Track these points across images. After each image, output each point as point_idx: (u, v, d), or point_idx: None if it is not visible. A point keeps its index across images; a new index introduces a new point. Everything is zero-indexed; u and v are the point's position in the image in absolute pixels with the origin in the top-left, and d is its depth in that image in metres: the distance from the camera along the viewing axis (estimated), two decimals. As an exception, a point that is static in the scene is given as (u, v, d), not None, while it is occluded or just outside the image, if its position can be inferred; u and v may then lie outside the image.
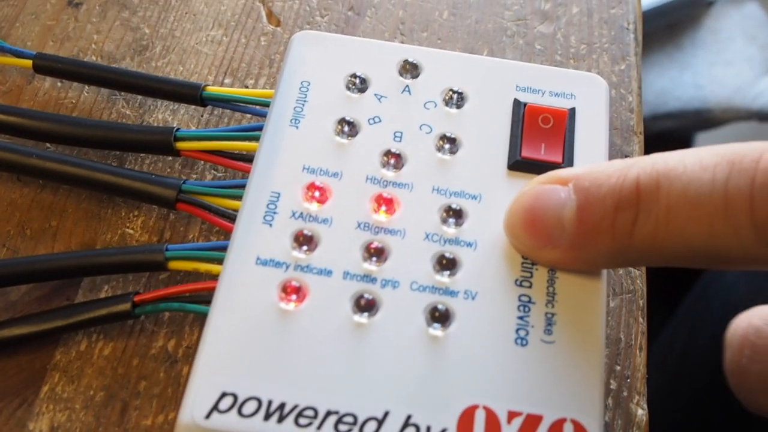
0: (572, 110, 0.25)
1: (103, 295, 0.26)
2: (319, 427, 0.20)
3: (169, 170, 0.28)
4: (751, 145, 0.20)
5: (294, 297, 0.22)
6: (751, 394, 0.21)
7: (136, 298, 0.24)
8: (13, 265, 0.25)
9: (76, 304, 0.25)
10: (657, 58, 0.71)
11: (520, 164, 0.25)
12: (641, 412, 0.24)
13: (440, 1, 0.33)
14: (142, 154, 0.28)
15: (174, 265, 0.25)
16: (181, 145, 0.27)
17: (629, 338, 0.25)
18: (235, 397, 0.21)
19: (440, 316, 0.22)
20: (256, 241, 0.23)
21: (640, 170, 0.20)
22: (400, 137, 0.25)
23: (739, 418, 0.24)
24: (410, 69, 0.26)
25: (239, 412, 0.20)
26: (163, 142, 0.27)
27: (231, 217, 0.25)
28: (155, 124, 0.29)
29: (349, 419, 0.20)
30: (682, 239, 0.20)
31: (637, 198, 0.20)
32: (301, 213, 0.24)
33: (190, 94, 0.28)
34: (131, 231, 0.27)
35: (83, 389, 0.24)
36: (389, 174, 0.24)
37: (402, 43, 0.32)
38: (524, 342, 0.22)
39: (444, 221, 0.24)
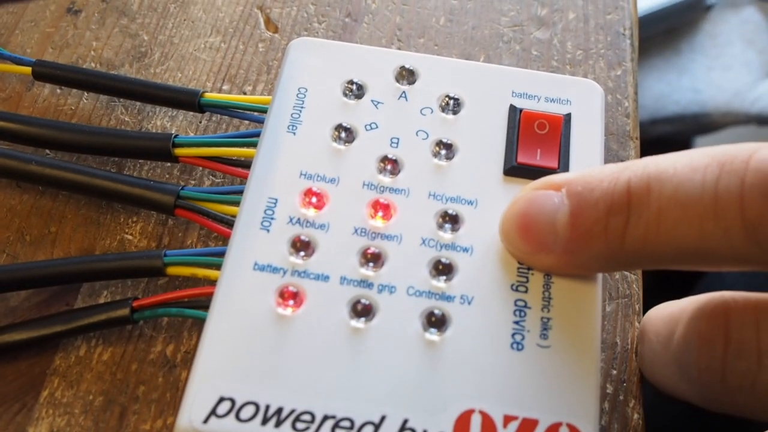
0: (568, 116, 0.26)
1: (102, 300, 0.26)
2: (316, 432, 0.20)
3: (167, 176, 0.28)
4: (741, 146, 0.20)
5: (291, 302, 0.22)
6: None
7: (135, 304, 0.24)
8: (13, 271, 0.25)
9: (76, 310, 0.25)
10: (655, 62, 0.71)
11: (516, 170, 0.25)
12: (637, 417, 0.24)
13: (437, 7, 0.33)
14: (140, 161, 0.29)
15: (172, 270, 0.25)
16: (179, 151, 0.27)
17: (625, 342, 0.26)
18: (233, 401, 0.21)
19: (437, 321, 0.22)
20: (253, 246, 0.23)
21: (632, 174, 0.21)
22: (397, 143, 0.25)
23: (735, 423, 0.24)
24: (407, 75, 0.27)
25: (237, 416, 0.21)
26: (161, 149, 0.27)
27: (229, 222, 0.25)
28: (154, 131, 0.29)
29: (346, 423, 0.21)
30: (674, 241, 0.20)
31: (628, 201, 0.20)
32: (299, 219, 0.24)
33: (188, 101, 0.28)
34: (130, 237, 0.27)
35: (82, 394, 0.24)
36: (386, 180, 0.25)
37: (399, 49, 0.32)
38: (520, 346, 0.22)
39: (440, 227, 0.24)
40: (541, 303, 0.22)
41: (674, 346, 0.22)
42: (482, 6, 0.33)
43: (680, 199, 0.19)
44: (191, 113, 0.30)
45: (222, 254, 0.23)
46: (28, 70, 0.29)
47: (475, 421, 0.21)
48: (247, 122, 0.29)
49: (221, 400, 0.21)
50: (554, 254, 0.22)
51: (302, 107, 0.26)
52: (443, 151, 0.25)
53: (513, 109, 0.26)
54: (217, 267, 0.23)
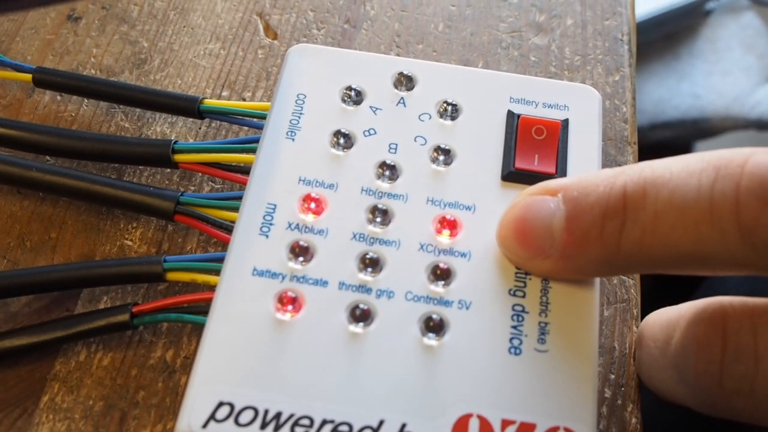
0: (565, 121, 0.26)
1: (102, 306, 0.26)
2: (314, 436, 0.21)
3: (167, 182, 0.28)
4: (736, 150, 0.20)
5: (290, 307, 0.22)
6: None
7: (135, 309, 0.24)
8: (14, 277, 0.25)
9: (76, 315, 0.25)
10: (655, 67, 0.71)
11: (513, 175, 0.25)
12: (635, 421, 0.25)
13: (435, 13, 0.33)
14: (140, 167, 0.29)
15: (172, 276, 0.25)
16: (179, 157, 0.27)
17: (623, 347, 0.26)
18: (232, 406, 0.21)
19: (435, 326, 0.22)
20: (252, 252, 0.23)
21: (627, 178, 0.21)
22: (395, 149, 0.25)
23: (733, 427, 0.24)
24: (405, 81, 0.27)
25: (236, 421, 0.21)
26: (161, 155, 0.27)
27: (228, 228, 0.25)
28: (153, 137, 0.30)
29: (345, 428, 0.21)
30: (670, 245, 0.20)
31: (624, 205, 0.20)
32: (297, 224, 0.24)
33: (187, 107, 0.28)
34: (130, 243, 0.27)
35: (82, 399, 0.24)
36: (384, 185, 0.25)
37: (398, 55, 0.32)
38: (518, 351, 0.22)
39: (438, 232, 0.24)
40: (538, 308, 0.23)
41: (672, 351, 0.22)
42: (480, 12, 0.33)
43: (676, 203, 0.20)
44: (191, 119, 0.30)
45: (221, 260, 0.24)
46: (28, 77, 0.29)
47: (473, 426, 0.21)
48: (246, 128, 0.29)
49: (220, 404, 0.21)
50: (551, 259, 0.22)
51: (301, 113, 0.26)
52: (441, 157, 0.25)
53: (511, 115, 0.26)
54: (217, 272, 0.24)
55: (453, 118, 0.26)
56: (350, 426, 0.21)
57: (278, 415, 0.21)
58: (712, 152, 0.20)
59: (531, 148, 0.25)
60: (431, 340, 0.22)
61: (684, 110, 0.69)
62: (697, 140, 0.72)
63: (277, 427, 0.21)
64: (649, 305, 0.26)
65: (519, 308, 0.23)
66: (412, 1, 0.34)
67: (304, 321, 0.22)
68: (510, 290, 0.23)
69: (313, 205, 0.24)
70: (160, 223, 0.28)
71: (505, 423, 0.21)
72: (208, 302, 0.23)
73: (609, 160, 0.30)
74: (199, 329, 0.25)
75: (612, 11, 0.33)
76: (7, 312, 0.26)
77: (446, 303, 0.23)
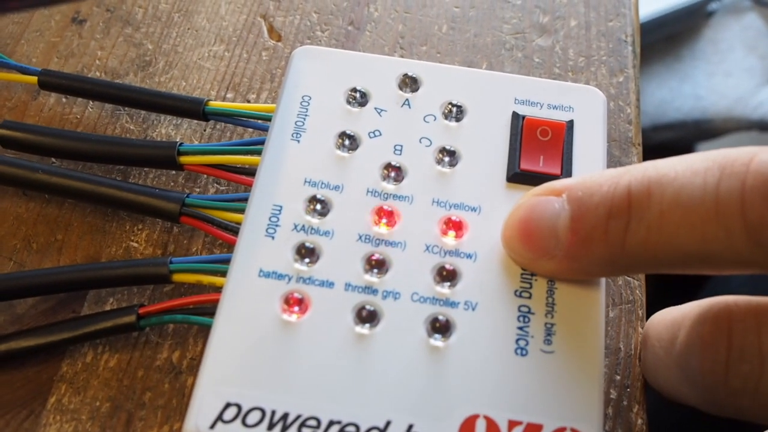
0: (570, 122, 0.26)
1: (108, 307, 0.26)
2: (321, 437, 0.21)
3: (172, 184, 0.29)
4: (741, 149, 0.20)
5: (296, 308, 0.22)
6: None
7: (141, 311, 0.24)
8: (20, 279, 0.25)
9: (82, 317, 0.25)
10: (657, 69, 0.71)
11: (518, 176, 0.25)
12: (640, 422, 0.25)
13: (439, 15, 0.33)
14: (145, 169, 0.29)
15: (178, 277, 0.25)
16: (184, 159, 0.27)
17: (629, 348, 0.26)
18: (239, 407, 0.21)
19: (441, 327, 0.22)
20: (258, 253, 0.23)
21: (632, 178, 0.21)
22: (400, 150, 0.25)
23: (738, 427, 0.24)
24: (410, 83, 0.27)
25: (243, 422, 0.21)
26: (166, 157, 0.27)
27: (234, 230, 0.25)
28: (158, 139, 0.30)
29: (351, 429, 0.21)
30: (675, 244, 0.20)
31: (629, 205, 0.20)
32: (303, 226, 0.24)
33: (192, 109, 0.28)
34: (136, 244, 0.27)
35: (89, 400, 0.24)
36: (389, 187, 0.25)
37: (402, 57, 0.32)
38: (524, 352, 0.22)
39: (444, 233, 0.24)
40: (544, 309, 0.23)
41: (677, 351, 0.22)
42: (484, 14, 0.33)
43: (681, 202, 0.19)
44: (196, 121, 0.30)
45: (227, 261, 0.24)
46: (33, 79, 0.29)
47: (480, 426, 0.21)
48: (251, 130, 0.30)
49: (227, 405, 0.21)
50: (556, 259, 0.22)
51: (306, 115, 0.26)
52: (446, 158, 0.25)
53: (516, 116, 0.26)
54: (223, 274, 0.24)
55: (458, 120, 0.26)
56: (357, 427, 0.21)
57: (285, 416, 0.21)
58: (717, 151, 0.20)
59: (536, 150, 0.25)
60: (437, 341, 0.22)
61: (686, 111, 0.69)
62: (699, 141, 0.72)
63: (285, 428, 0.21)
64: (653, 305, 0.26)
65: (525, 309, 0.23)
66: (415, 3, 0.34)
67: (310, 322, 0.22)
68: (516, 291, 0.23)
69: (318, 206, 0.24)
70: (166, 225, 0.28)
71: (512, 424, 0.21)
72: (215, 303, 0.23)
73: (613, 162, 0.30)
74: (205, 330, 0.25)
75: (615, 12, 0.34)
76: (13, 314, 0.26)
77: (452, 304, 0.23)
